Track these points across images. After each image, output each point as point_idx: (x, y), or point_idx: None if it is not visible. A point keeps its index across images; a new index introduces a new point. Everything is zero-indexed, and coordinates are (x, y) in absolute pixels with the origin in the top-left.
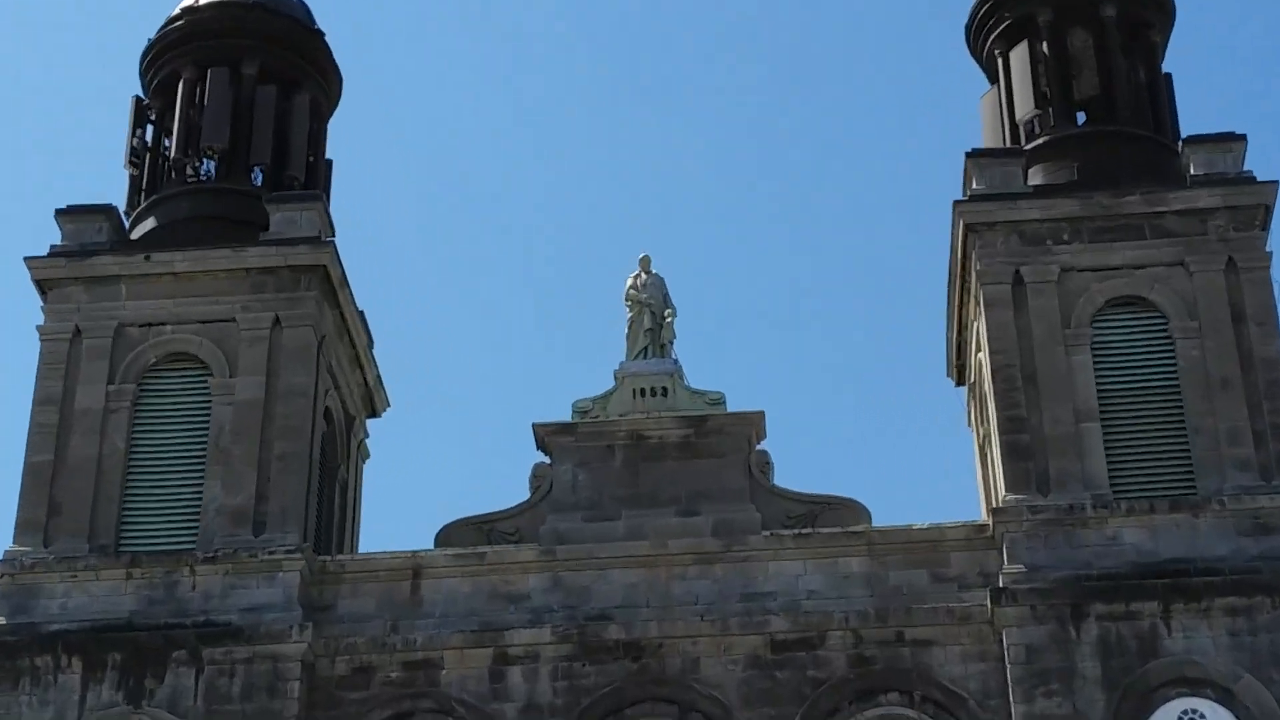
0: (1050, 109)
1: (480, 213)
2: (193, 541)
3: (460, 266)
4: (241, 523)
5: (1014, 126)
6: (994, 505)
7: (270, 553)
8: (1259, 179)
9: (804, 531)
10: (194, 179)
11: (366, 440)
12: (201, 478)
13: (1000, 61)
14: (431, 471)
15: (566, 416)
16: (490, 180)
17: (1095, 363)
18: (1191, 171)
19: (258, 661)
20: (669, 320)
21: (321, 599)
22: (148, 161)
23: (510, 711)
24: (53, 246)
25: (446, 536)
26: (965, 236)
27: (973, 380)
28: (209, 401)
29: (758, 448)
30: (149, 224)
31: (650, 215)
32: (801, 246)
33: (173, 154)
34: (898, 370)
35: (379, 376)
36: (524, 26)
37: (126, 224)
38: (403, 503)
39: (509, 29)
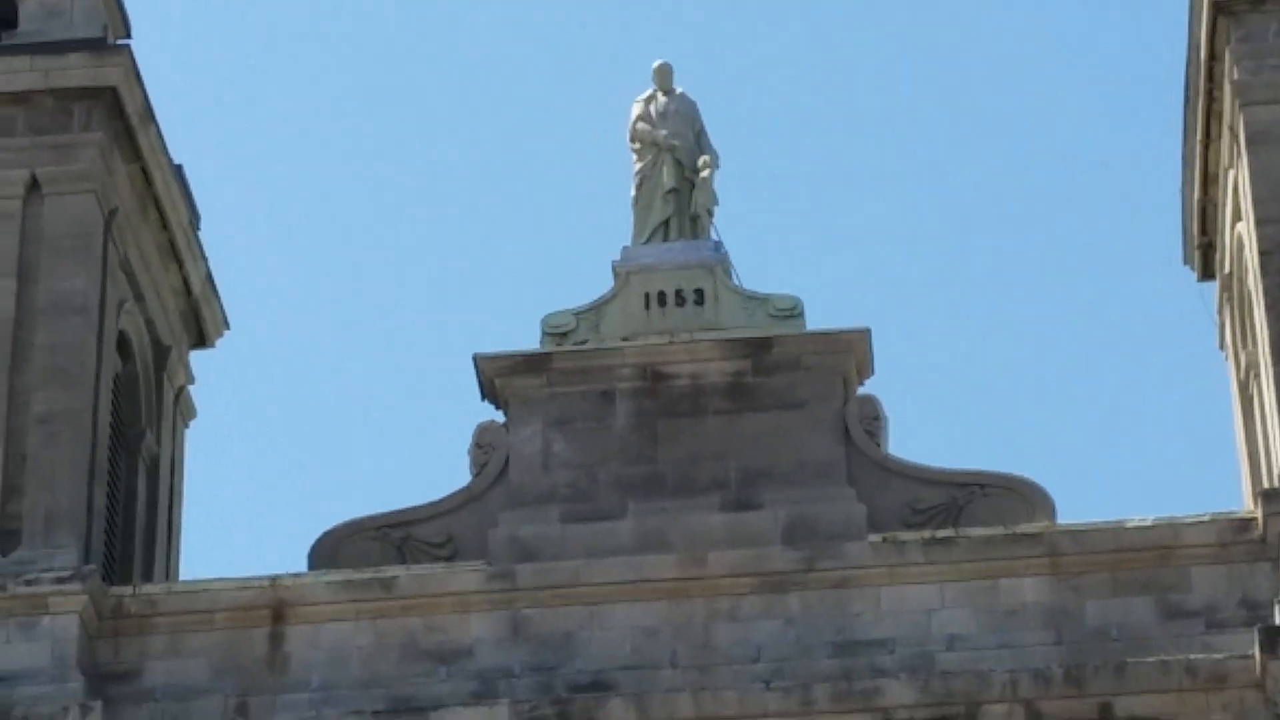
0: None
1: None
2: None
3: (341, 86)
4: None
5: None
6: (1266, 485)
7: (29, 582)
8: None
9: (941, 535)
10: None
11: (191, 388)
12: None
13: None
14: (302, 439)
15: (533, 342)
16: None
17: None
18: None
19: None
20: (706, 174)
21: (117, 660)
22: None
23: None
24: None
25: (329, 550)
26: (1214, 24)
27: (1228, 270)
28: None
29: (860, 391)
30: None
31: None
32: (917, 46)
33: None
34: (1090, 256)
35: (210, 278)
36: None
37: None
38: (256, 493)
39: None
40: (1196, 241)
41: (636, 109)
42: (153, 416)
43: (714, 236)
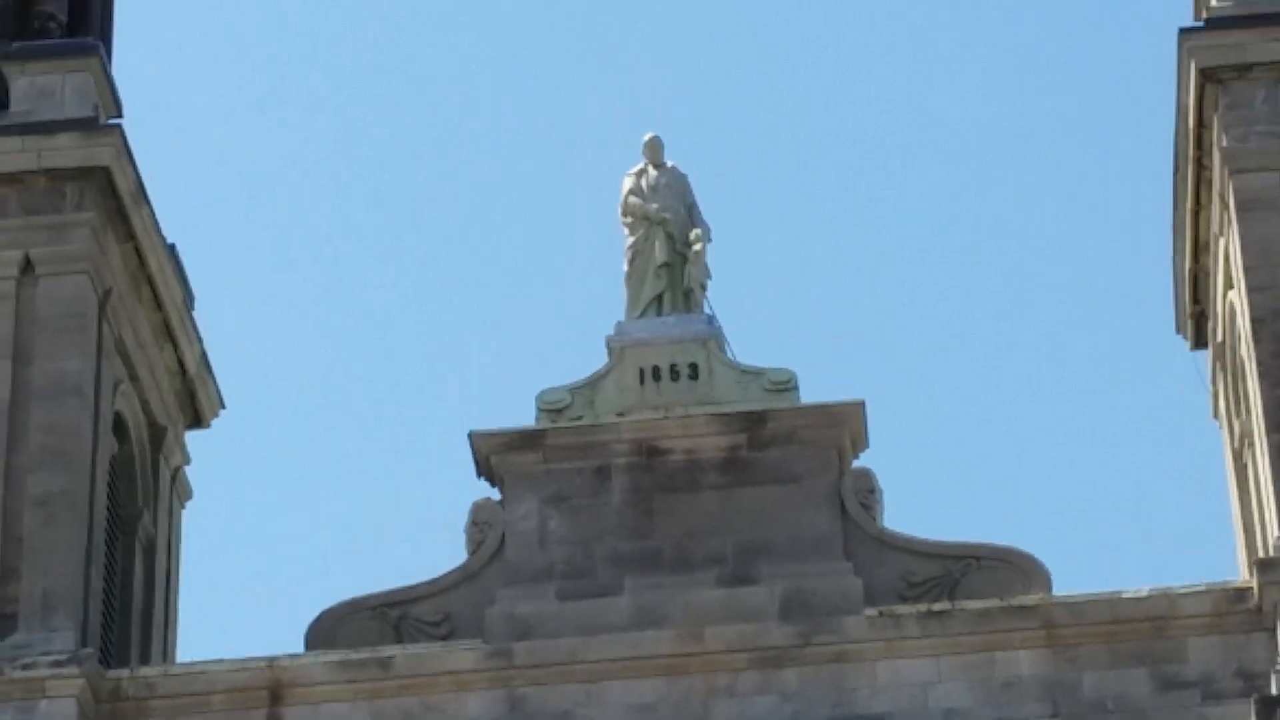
0: None
1: (374, 76)
2: None
3: (334, 165)
4: None
5: None
6: (1261, 555)
7: (25, 666)
8: None
9: (937, 608)
10: None
11: (187, 469)
12: None
13: None
14: (298, 519)
15: (528, 419)
16: (392, 16)
17: None
18: None
19: None
20: (698, 248)
21: None
22: None
23: None
24: None
25: (327, 631)
26: (1201, 91)
27: (1220, 339)
28: None
29: (855, 464)
30: None
31: (663, 72)
32: (908, 117)
33: None
34: (1085, 327)
35: (204, 358)
36: None
37: None
38: (252, 574)
39: None
40: (1189, 310)
41: (628, 183)
42: (149, 497)
43: (707, 310)
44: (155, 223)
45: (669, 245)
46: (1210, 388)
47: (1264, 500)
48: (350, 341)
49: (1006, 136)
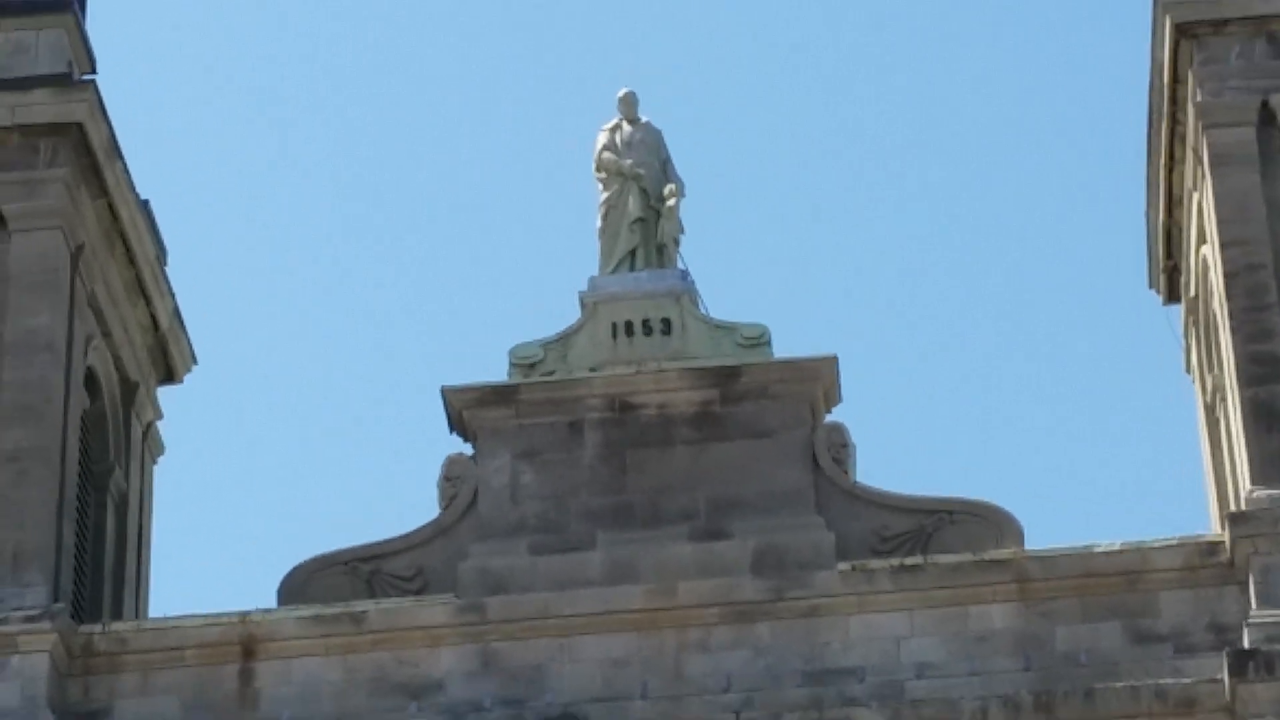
0: None
1: (347, 27)
2: None
3: (307, 120)
4: None
5: None
6: (1233, 508)
7: None
8: None
9: (909, 562)
10: None
11: (159, 424)
12: None
13: None
14: (270, 474)
15: (500, 374)
16: None
17: None
18: None
19: None
20: (672, 203)
21: (88, 699)
22: None
23: None
24: None
25: (299, 585)
26: (1176, 46)
27: (1193, 294)
28: None
29: (828, 419)
30: None
31: (637, 27)
32: (881, 71)
33: None
34: (1055, 280)
35: (177, 313)
36: None
37: None
38: (224, 529)
39: None
40: (1162, 265)
41: (602, 138)
42: (121, 453)
43: (681, 265)
44: (129, 179)
45: (643, 200)
46: (1183, 342)
47: (1235, 454)
48: (322, 297)
49: (980, 91)
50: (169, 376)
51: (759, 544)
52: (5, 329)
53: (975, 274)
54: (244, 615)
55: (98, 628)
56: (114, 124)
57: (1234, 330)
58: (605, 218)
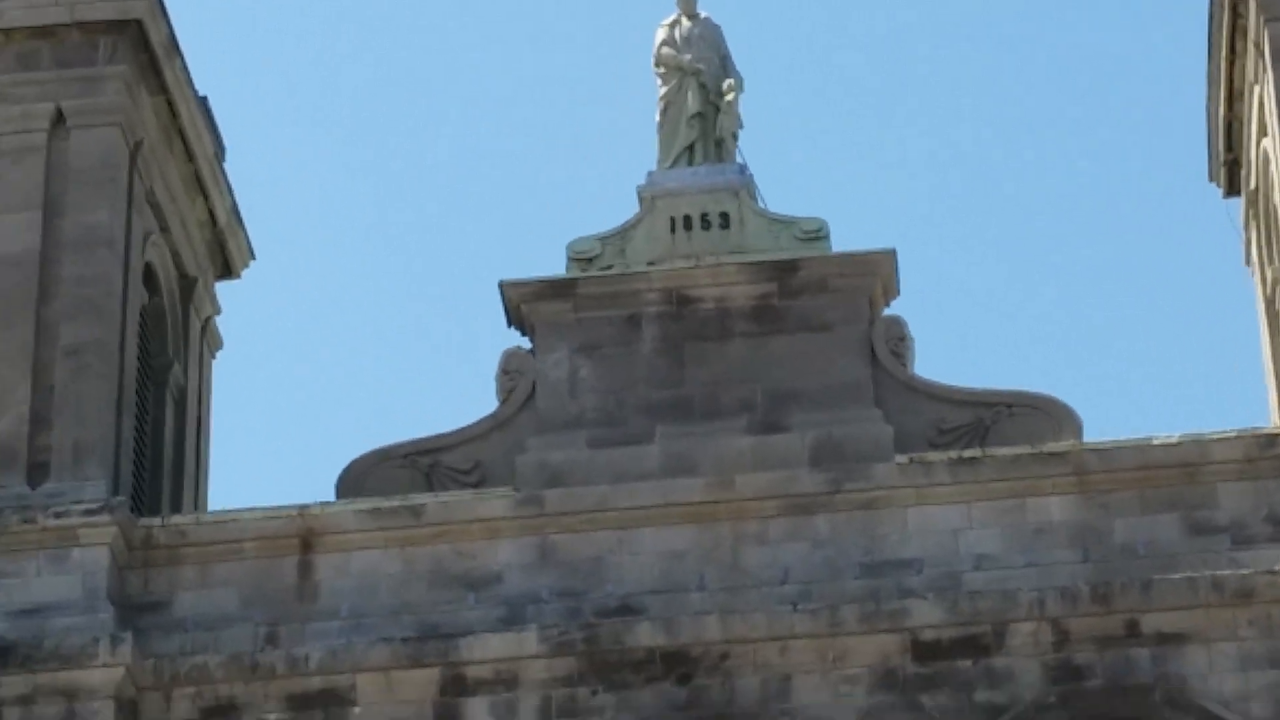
0: None
1: None
2: None
3: (366, 14)
4: (6, 466)
5: None
6: None
7: (58, 515)
8: None
9: (967, 455)
10: None
11: (217, 319)
12: None
13: None
14: (328, 368)
15: (558, 268)
16: None
17: None
18: None
19: (42, 700)
20: (731, 98)
21: (147, 591)
22: None
23: None
24: None
25: (356, 479)
26: None
27: (1254, 186)
28: None
29: (886, 312)
30: None
31: None
32: None
33: None
34: (1119, 175)
35: (235, 209)
36: None
37: None
38: (283, 423)
39: None
40: (1222, 158)
41: (661, 34)
42: (179, 348)
43: (739, 160)
44: (187, 75)
45: (701, 95)
46: (1243, 235)
47: None
48: (381, 192)
49: None
50: (227, 272)
51: (817, 437)
52: (65, 225)
53: (1034, 169)
54: (303, 508)
55: (157, 521)
56: (172, 20)
57: None
58: (664, 113)
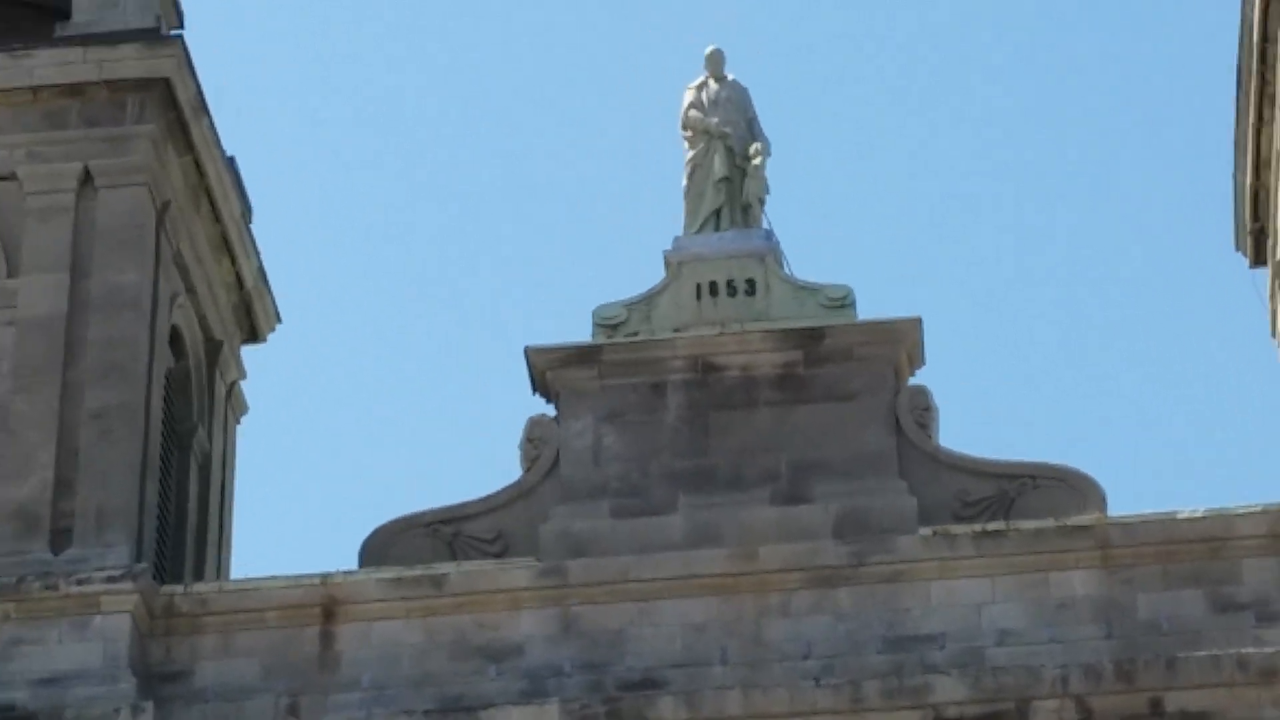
0: None
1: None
2: None
3: (394, 77)
4: (29, 531)
5: None
6: None
7: (80, 581)
8: None
9: (992, 528)
10: None
11: (243, 383)
12: None
13: None
14: (353, 434)
15: (584, 334)
16: None
17: None
18: None
19: None
20: (757, 162)
21: (169, 659)
22: None
23: None
24: None
25: (380, 547)
26: (1267, 6)
27: None
28: None
29: (911, 382)
30: None
31: None
32: (968, 32)
33: None
34: (1145, 244)
35: (262, 272)
36: None
37: None
38: (307, 490)
39: None
40: (1249, 227)
41: (688, 96)
42: (205, 412)
43: (765, 225)
44: (215, 135)
45: (728, 159)
46: (1269, 306)
47: None
48: (407, 256)
49: (1069, 53)
50: (253, 335)
51: (841, 508)
52: (91, 286)
53: (1061, 237)
54: (325, 577)
55: (180, 588)
56: (201, 80)
57: None
58: (691, 177)
